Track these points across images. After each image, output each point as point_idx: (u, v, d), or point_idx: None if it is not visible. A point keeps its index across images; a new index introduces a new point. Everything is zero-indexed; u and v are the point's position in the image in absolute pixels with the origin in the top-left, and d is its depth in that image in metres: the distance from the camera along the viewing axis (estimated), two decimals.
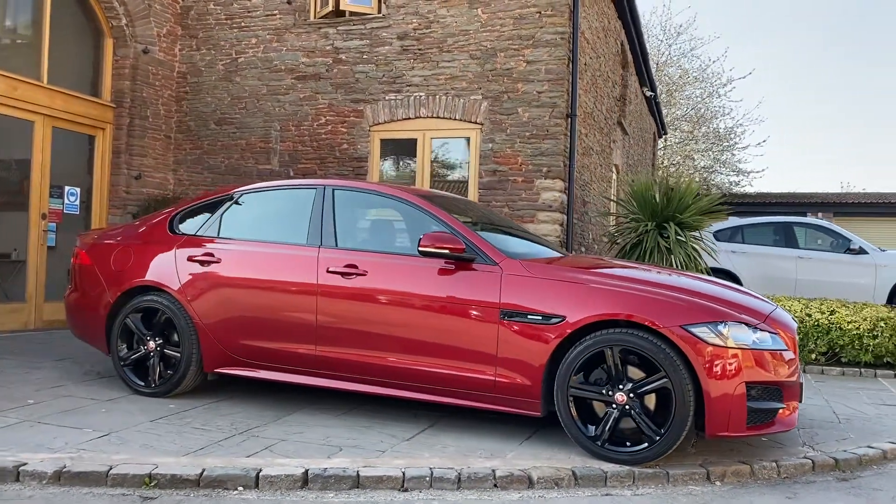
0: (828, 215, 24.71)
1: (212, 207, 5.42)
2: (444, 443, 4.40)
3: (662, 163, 27.18)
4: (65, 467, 3.73)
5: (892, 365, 7.53)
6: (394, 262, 4.72)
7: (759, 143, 30.46)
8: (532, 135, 8.59)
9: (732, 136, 28.99)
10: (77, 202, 9.14)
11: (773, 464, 4.27)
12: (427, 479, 3.82)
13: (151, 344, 5.25)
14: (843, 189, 30.30)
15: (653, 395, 4.11)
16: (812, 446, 4.69)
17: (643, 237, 8.23)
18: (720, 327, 4.03)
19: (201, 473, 3.73)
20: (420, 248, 4.49)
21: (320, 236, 4.94)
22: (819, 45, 59.84)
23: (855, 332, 7.47)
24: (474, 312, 4.41)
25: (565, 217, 8.65)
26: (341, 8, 9.48)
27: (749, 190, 29.51)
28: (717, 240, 12.23)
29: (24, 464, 3.76)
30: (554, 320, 4.22)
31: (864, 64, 59.12)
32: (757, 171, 38.73)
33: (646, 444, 4.05)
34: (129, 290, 5.34)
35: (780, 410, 4.17)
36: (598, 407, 4.24)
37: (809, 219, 14.41)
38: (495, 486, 3.84)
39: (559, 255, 5.20)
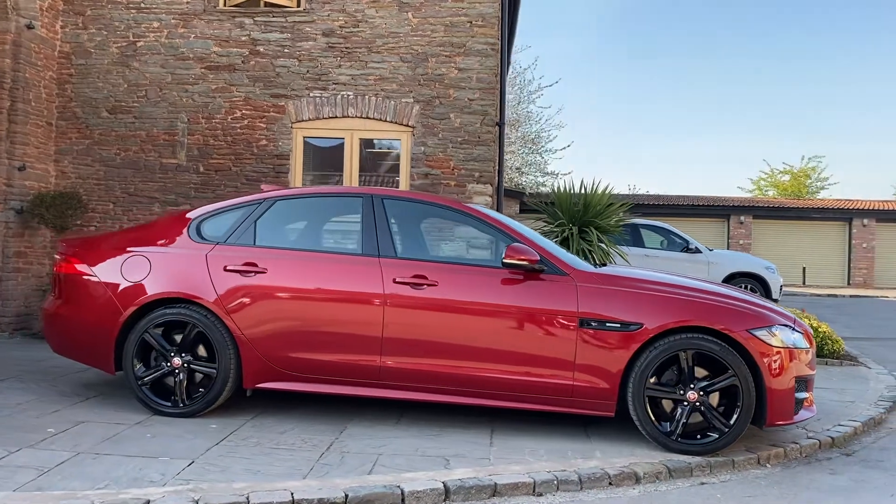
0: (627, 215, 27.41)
1: (240, 213, 5.09)
2: (529, 446, 4.59)
3: None
4: (199, 500, 3.45)
5: None
6: (462, 273, 4.81)
7: (563, 147, 32.94)
8: (464, 140, 8.85)
9: (539, 140, 31.16)
10: None
11: (797, 445, 4.97)
12: (554, 482, 4.02)
13: (177, 360, 4.86)
14: (631, 191, 33.69)
15: (716, 393, 4.62)
16: (804, 428, 5.47)
17: (569, 240, 8.82)
18: (773, 330, 4.63)
19: (346, 497, 3.64)
20: (504, 260, 4.64)
21: (377, 246, 4.87)
22: (610, 60, 65.12)
23: None
24: (553, 321, 4.64)
25: None
26: None
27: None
28: None
29: (149, 500, 3.43)
30: (633, 327, 4.58)
31: (642, 73, 65.57)
32: (564, 173, 41.62)
33: (716, 436, 4.54)
34: (149, 303, 4.89)
35: (806, 400, 4.87)
36: (666, 405, 4.68)
37: (653, 221, 16.03)
38: (610, 483, 4.14)
39: (592, 264, 5.54)
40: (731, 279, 14.27)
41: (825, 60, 58.05)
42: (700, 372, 4.64)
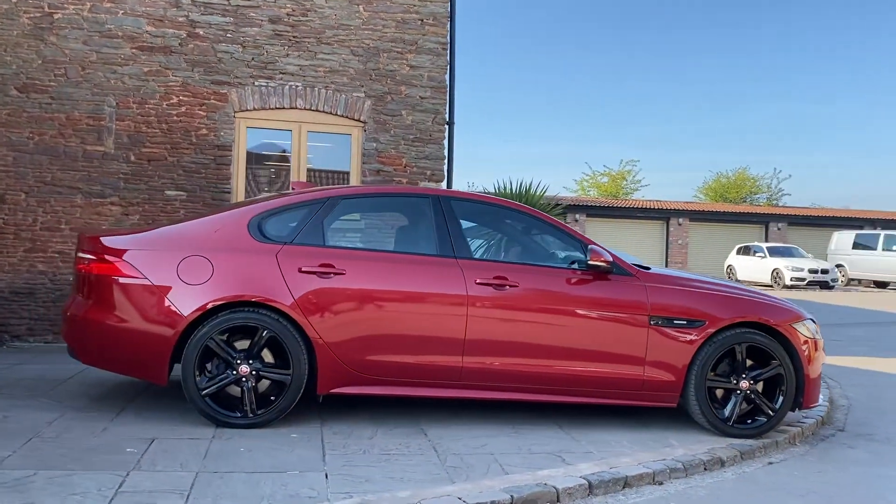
0: None
1: (304, 212, 4.83)
2: (609, 439, 4.82)
3: None
4: None
5: None
6: (538, 273, 4.94)
7: None
8: (416, 138, 8.87)
9: None
10: None
11: (805, 424, 5.61)
12: (667, 471, 4.31)
13: (245, 368, 4.56)
14: (469, 188, 35.01)
15: (762, 381, 5.13)
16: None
17: None
18: (805, 323, 5.22)
19: (512, 498, 3.70)
20: (590, 262, 4.84)
21: (452, 247, 4.86)
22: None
23: None
24: (626, 319, 4.92)
25: None
26: None
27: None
28: None
29: None
30: (697, 324, 4.96)
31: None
32: None
33: (764, 419, 5.06)
34: (213, 308, 4.53)
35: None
36: (717, 393, 5.12)
37: None
38: (705, 469, 4.50)
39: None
40: None
41: (640, 72, 63.47)
42: (747, 362, 5.13)
